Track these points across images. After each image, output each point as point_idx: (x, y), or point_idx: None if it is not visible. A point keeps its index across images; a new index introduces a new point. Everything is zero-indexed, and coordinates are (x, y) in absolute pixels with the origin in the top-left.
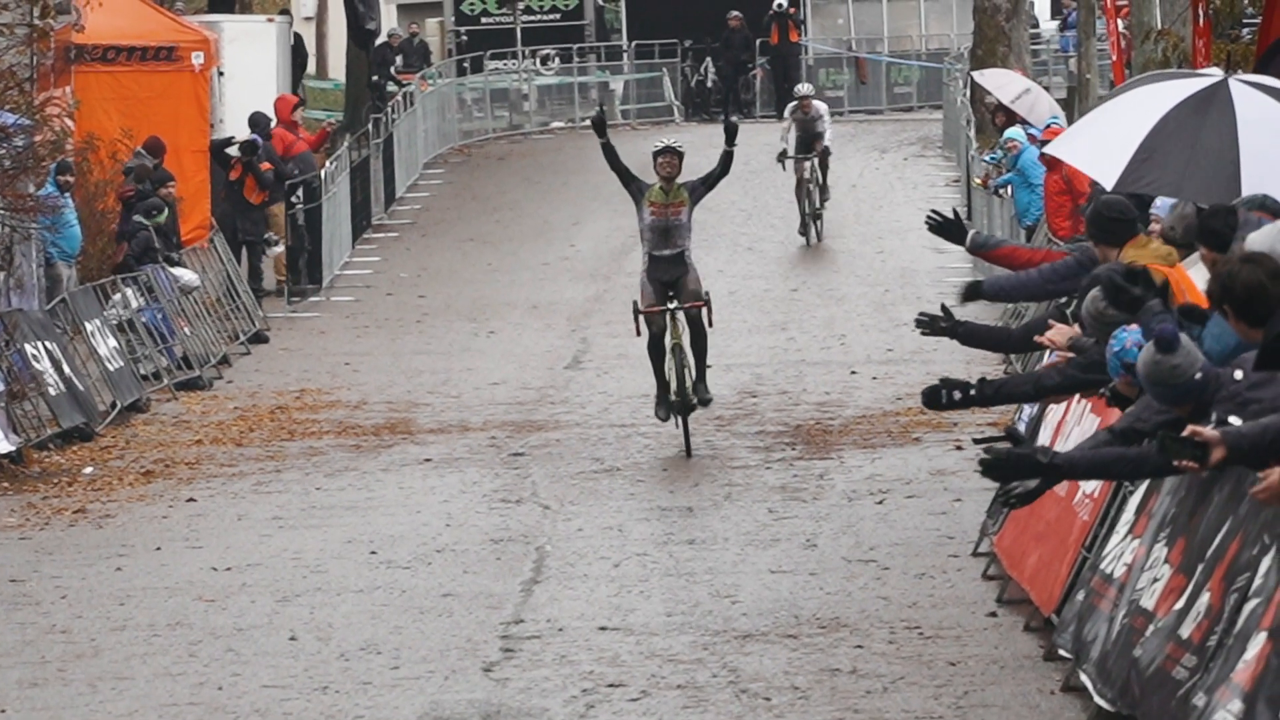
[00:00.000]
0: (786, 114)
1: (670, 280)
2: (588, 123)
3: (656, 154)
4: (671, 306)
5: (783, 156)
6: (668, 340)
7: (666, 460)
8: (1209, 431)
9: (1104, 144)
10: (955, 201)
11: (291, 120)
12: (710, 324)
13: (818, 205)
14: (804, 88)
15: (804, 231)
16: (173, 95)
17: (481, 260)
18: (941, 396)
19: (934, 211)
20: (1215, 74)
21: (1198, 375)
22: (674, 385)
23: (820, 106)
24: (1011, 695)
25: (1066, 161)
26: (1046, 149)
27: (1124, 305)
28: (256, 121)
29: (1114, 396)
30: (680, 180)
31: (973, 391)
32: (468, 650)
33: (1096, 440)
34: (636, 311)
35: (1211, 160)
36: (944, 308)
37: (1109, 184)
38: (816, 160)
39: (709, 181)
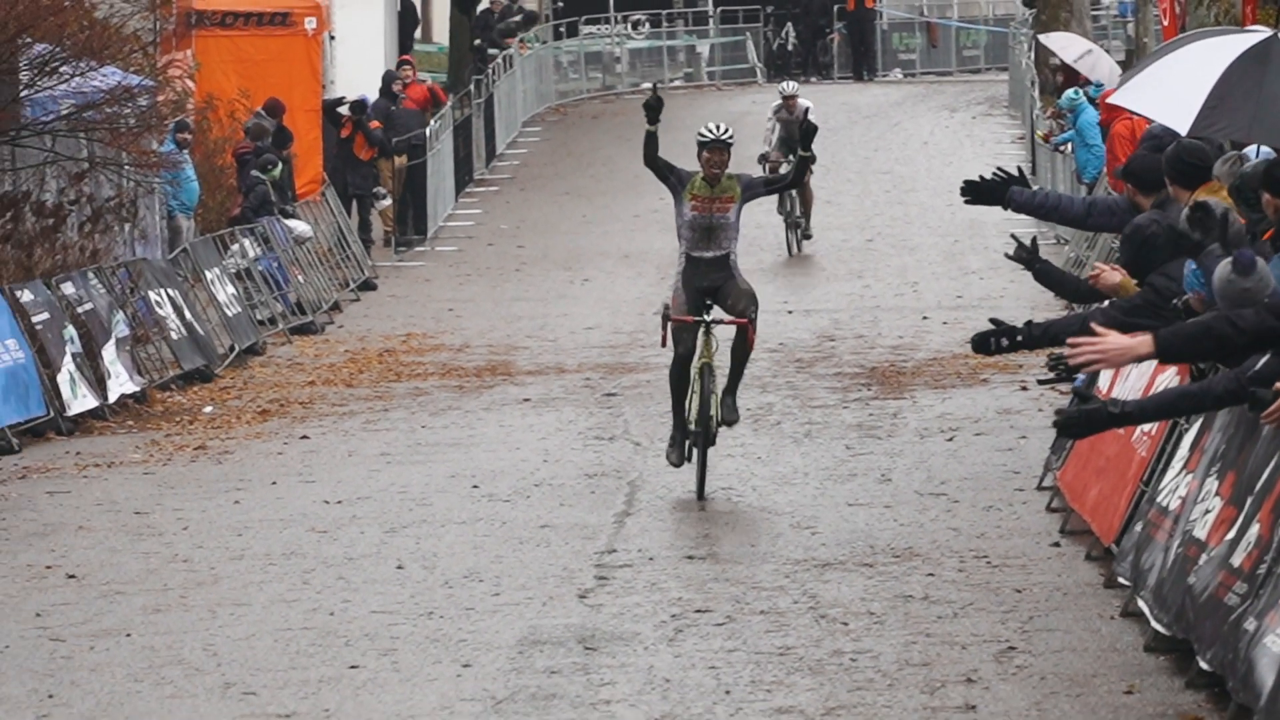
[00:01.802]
0: (770, 112)
1: (710, 287)
2: (678, 82)
3: (704, 145)
4: (708, 319)
5: (763, 159)
6: (695, 362)
7: (750, 399)
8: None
9: (1172, 93)
10: (1019, 155)
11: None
12: (750, 346)
13: (795, 212)
14: (789, 86)
15: (788, 240)
16: (287, 58)
17: (576, 212)
18: (990, 343)
19: (965, 182)
20: (1265, 30)
21: (1267, 299)
22: (694, 414)
23: (805, 104)
24: (1073, 620)
25: (1134, 110)
26: (1111, 99)
27: (1208, 232)
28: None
29: (1186, 310)
30: (732, 173)
31: (1020, 337)
32: (564, 578)
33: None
34: (666, 317)
35: (1277, 108)
36: (1018, 242)
37: (1183, 130)
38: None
39: (772, 185)
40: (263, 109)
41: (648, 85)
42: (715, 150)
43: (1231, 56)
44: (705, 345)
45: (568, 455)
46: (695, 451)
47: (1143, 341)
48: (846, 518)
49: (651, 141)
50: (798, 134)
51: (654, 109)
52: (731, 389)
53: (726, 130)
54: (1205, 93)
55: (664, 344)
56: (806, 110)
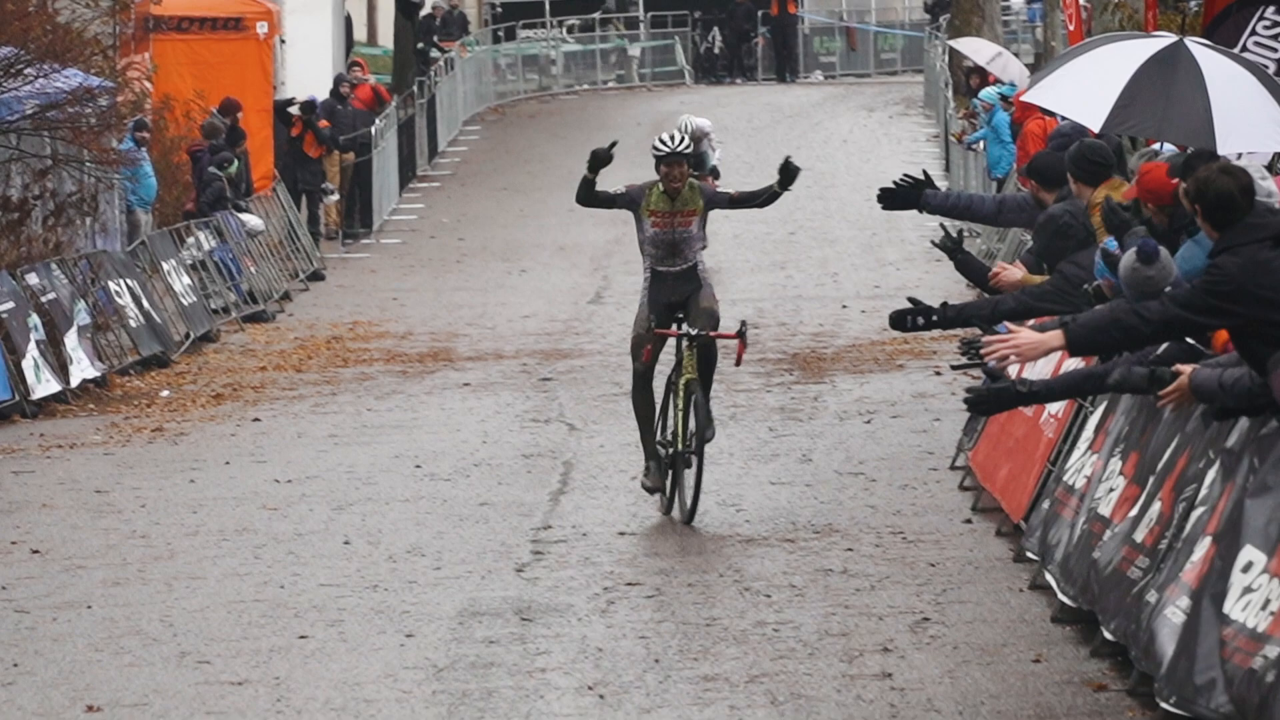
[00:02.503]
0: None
1: (678, 301)
2: (610, 84)
3: (660, 160)
4: (692, 332)
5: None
6: (678, 378)
7: None
8: (1188, 368)
9: (1085, 92)
10: (933, 153)
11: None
12: (739, 363)
13: None
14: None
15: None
16: (240, 60)
17: (514, 207)
18: (907, 321)
19: (881, 190)
20: (1168, 36)
21: (1168, 289)
22: (677, 430)
23: (705, 124)
24: (984, 593)
25: (1048, 108)
26: (1026, 97)
27: (1115, 227)
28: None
29: (1096, 295)
30: (692, 182)
31: (935, 317)
32: (502, 553)
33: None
34: (638, 341)
35: (1185, 109)
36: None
37: (1096, 127)
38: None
39: (738, 202)
40: (218, 109)
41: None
42: (672, 164)
43: (1139, 59)
44: (689, 359)
45: (505, 437)
46: (676, 472)
47: (1054, 335)
48: (769, 496)
49: (587, 187)
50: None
51: (600, 161)
52: (704, 404)
53: (682, 140)
54: (1117, 92)
55: (644, 360)
56: (704, 137)
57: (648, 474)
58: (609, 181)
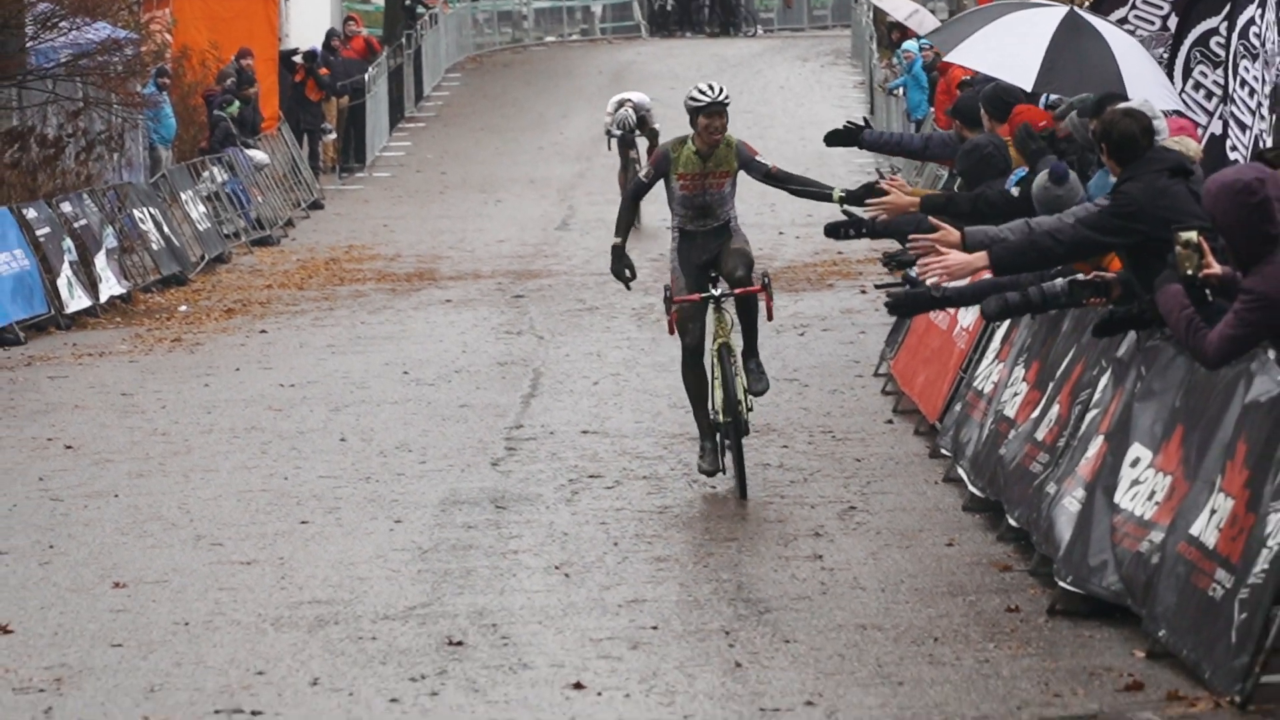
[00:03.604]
0: (612, 106)
1: (710, 260)
2: (575, 36)
3: (699, 110)
4: (717, 293)
5: (609, 134)
6: (710, 344)
7: (636, 301)
8: (1108, 275)
9: (1011, 56)
10: (859, 99)
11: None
12: (770, 316)
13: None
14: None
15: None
16: (249, 15)
17: (490, 145)
18: (840, 230)
19: (829, 132)
20: (1058, 5)
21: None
22: (720, 403)
23: (645, 100)
24: (904, 485)
25: (982, 70)
26: (951, 59)
27: (1030, 153)
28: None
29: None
30: (729, 138)
31: (864, 229)
32: (479, 449)
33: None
34: (669, 300)
35: (1100, 72)
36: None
37: (1029, 86)
38: (646, 146)
39: (775, 179)
40: (236, 56)
41: (551, 39)
42: (713, 114)
43: (1051, 25)
44: (719, 324)
45: (482, 346)
46: (728, 447)
47: (979, 256)
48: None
49: (623, 240)
50: (643, 123)
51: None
52: (751, 352)
53: (722, 91)
54: (1039, 56)
55: (671, 330)
56: (645, 113)
57: (703, 456)
58: (604, 183)
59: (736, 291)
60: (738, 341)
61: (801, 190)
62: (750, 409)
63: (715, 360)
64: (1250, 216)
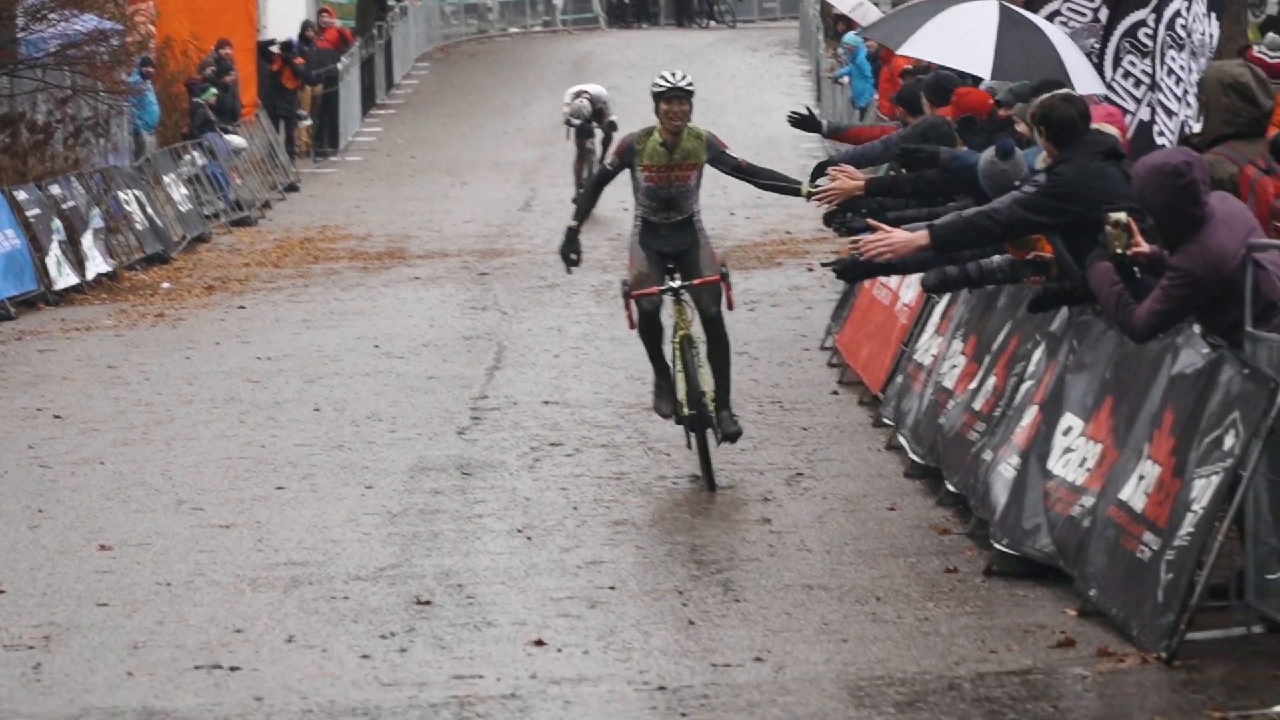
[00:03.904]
0: (569, 97)
1: (673, 253)
2: (537, 27)
3: (660, 96)
4: (675, 285)
5: (569, 123)
6: (672, 330)
7: (596, 279)
8: (1047, 255)
9: (964, 48)
10: (807, 87)
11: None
12: (730, 305)
13: (597, 153)
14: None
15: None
16: (229, 7)
17: (457, 130)
18: (839, 220)
19: (793, 111)
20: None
21: (1017, 182)
22: (684, 393)
23: (602, 92)
24: (848, 452)
25: (938, 62)
26: (905, 51)
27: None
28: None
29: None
30: (698, 130)
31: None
32: (446, 418)
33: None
34: (627, 295)
35: (1042, 60)
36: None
37: (986, 75)
38: (601, 138)
39: (744, 172)
40: (216, 46)
41: (515, 30)
42: (674, 100)
43: (993, 17)
44: (680, 315)
45: (449, 321)
46: (693, 437)
47: (921, 235)
48: None
49: (579, 226)
50: (600, 114)
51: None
52: (724, 400)
53: (685, 78)
54: (990, 46)
55: (631, 325)
56: (601, 105)
57: (659, 395)
58: (565, 167)
59: (696, 281)
60: (699, 333)
61: (770, 185)
62: (713, 409)
63: (677, 353)
64: (1177, 198)
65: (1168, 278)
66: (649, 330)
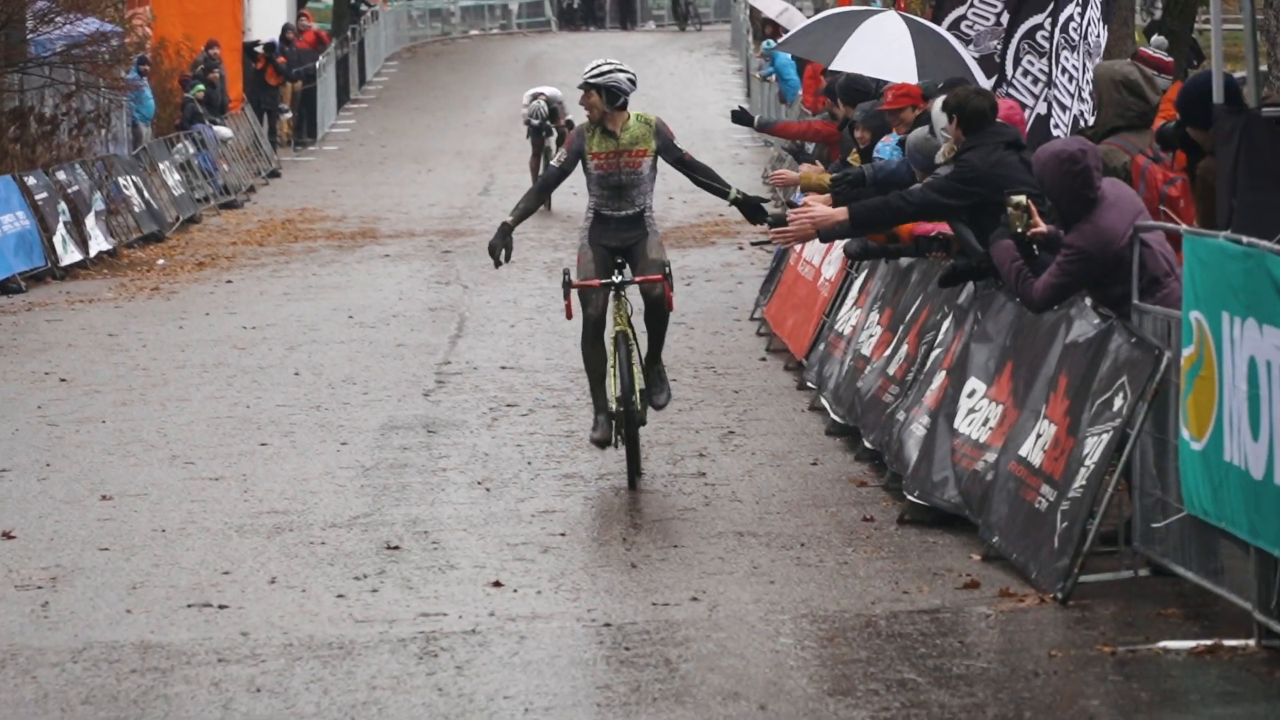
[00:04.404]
0: (527, 98)
1: (621, 247)
2: (495, 30)
3: (581, 88)
4: (616, 280)
5: (527, 123)
6: (609, 328)
7: (548, 259)
8: (949, 234)
9: (889, 58)
10: (738, 84)
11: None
12: (670, 306)
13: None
14: (546, 90)
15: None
16: (218, 12)
17: (422, 123)
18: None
19: (734, 109)
20: (888, 11)
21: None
22: (616, 390)
23: (557, 94)
24: (775, 412)
25: (867, 74)
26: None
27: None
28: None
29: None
30: (647, 116)
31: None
32: (413, 382)
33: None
34: (568, 285)
35: (952, 61)
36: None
37: (914, 80)
38: (556, 137)
39: (687, 166)
40: (205, 47)
41: (475, 32)
42: (585, 91)
43: (899, 29)
44: (618, 310)
45: (416, 294)
46: (622, 435)
47: (840, 212)
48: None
49: (519, 217)
50: (555, 115)
51: (500, 246)
52: (655, 358)
53: (596, 68)
54: (910, 55)
55: (569, 315)
56: (557, 105)
57: (595, 427)
58: (521, 155)
59: (637, 279)
60: (641, 338)
61: (705, 183)
62: (643, 407)
63: (612, 348)
64: (1073, 182)
65: (1063, 254)
66: (593, 344)
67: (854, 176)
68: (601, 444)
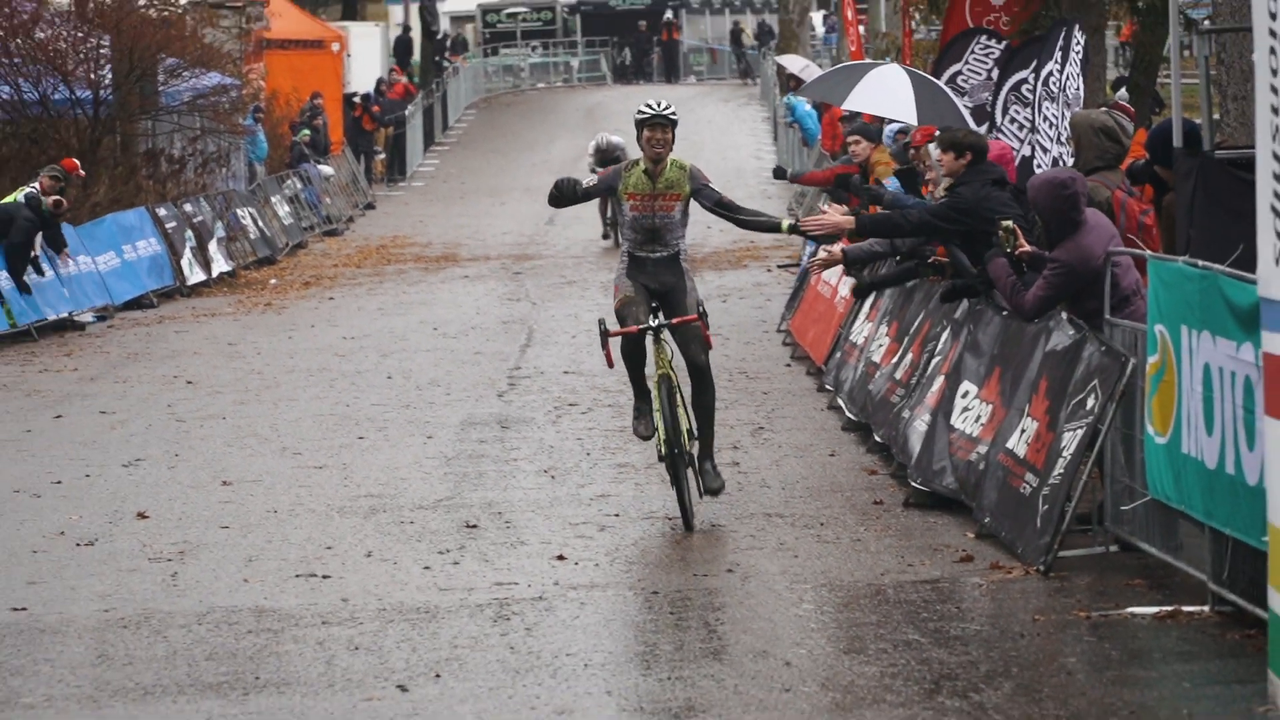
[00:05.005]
0: (591, 147)
1: (659, 290)
2: (559, 84)
3: (643, 124)
4: (653, 325)
5: (593, 170)
6: (651, 365)
7: (603, 277)
8: (944, 260)
9: (893, 102)
10: (766, 130)
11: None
12: (709, 345)
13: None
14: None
15: (607, 235)
16: (321, 67)
17: (496, 163)
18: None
19: (773, 169)
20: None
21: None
22: (663, 433)
23: (619, 141)
24: (799, 411)
25: (876, 113)
26: (846, 106)
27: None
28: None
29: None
30: (681, 162)
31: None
32: (489, 384)
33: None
34: (605, 334)
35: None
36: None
37: (914, 121)
38: None
39: (724, 207)
40: (310, 98)
41: (541, 85)
42: (655, 128)
43: (902, 79)
44: (659, 354)
45: (491, 309)
46: (677, 474)
47: (849, 220)
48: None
49: (560, 192)
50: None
51: (570, 193)
52: (707, 451)
53: (668, 106)
54: (911, 100)
55: (610, 364)
56: (619, 153)
57: (638, 418)
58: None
59: (675, 321)
60: (679, 370)
61: (751, 223)
62: (694, 437)
63: (657, 392)
64: (1063, 204)
65: (1050, 268)
66: (632, 354)
67: (876, 192)
68: (645, 437)
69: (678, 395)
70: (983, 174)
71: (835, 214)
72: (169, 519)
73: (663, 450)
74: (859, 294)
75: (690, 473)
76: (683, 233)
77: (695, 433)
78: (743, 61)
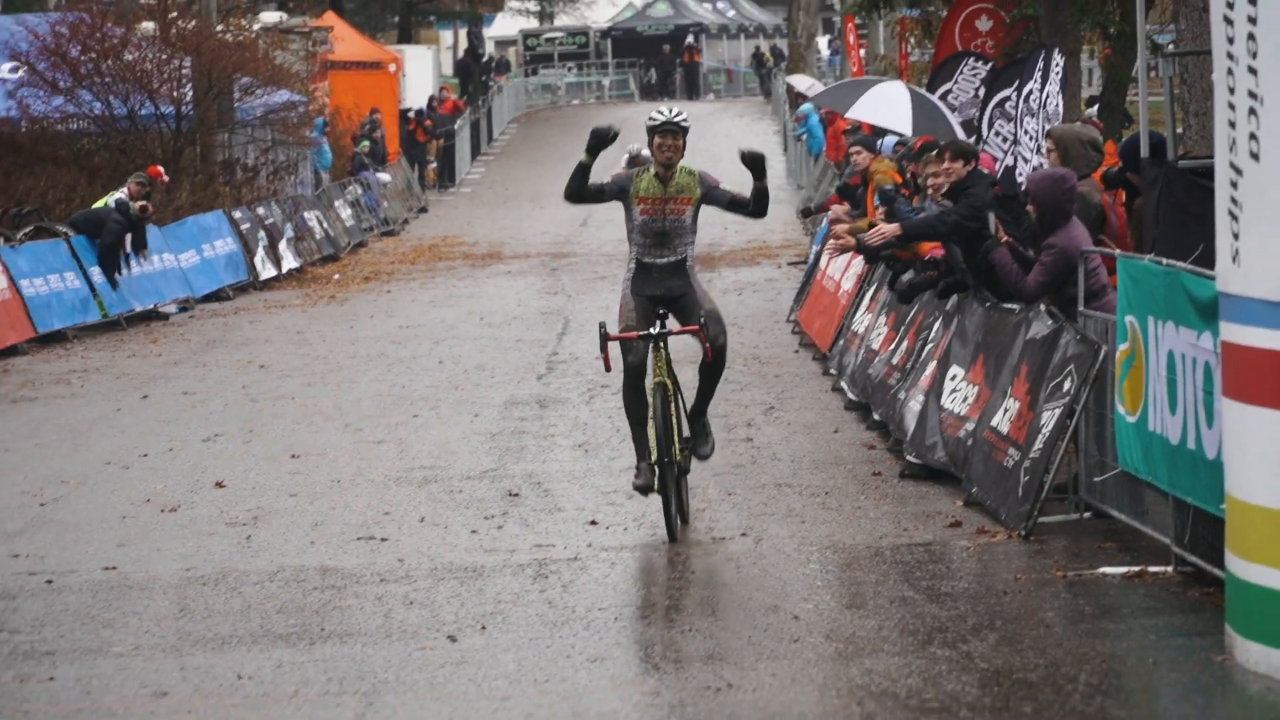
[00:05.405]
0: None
1: (665, 296)
2: (592, 100)
3: (654, 130)
4: (654, 332)
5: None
6: (649, 377)
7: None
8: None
9: (891, 113)
10: (777, 141)
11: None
12: (709, 355)
13: None
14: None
15: None
16: (380, 87)
17: (536, 171)
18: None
19: (799, 210)
20: (894, 81)
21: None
22: (655, 441)
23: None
24: (806, 393)
25: (875, 123)
26: (850, 115)
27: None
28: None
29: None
30: (690, 168)
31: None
32: (529, 368)
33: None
34: (604, 337)
35: (941, 121)
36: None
37: (909, 134)
38: None
39: (736, 204)
40: (369, 113)
41: (576, 102)
42: (666, 134)
43: (902, 94)
44: (656, 362)
45: (531, 301)
46: (666, 484)
47: (894, 227)
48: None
49: (579, 175)
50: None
51: (602, 139)
52: (701, 410)
53: (679, 113)
54: (908, 112)
55: (608, 368)
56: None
57: (639, 474)
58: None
59: (676, 330)
60: (674, 379)
61: (761, 204)
62: (687, 458)
63: (653, 400)
64: (1061, 197)
65: (1045, 255)
66: (634, 390)
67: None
68: (644, 490)
69: (673, 405)
70: (983, 178)
71: (885, 227)
72: (244, 488)
73: (653, 458)
74: (904, 299)
75: (676, 489)
76: (692, 239)
77: (687, 444)
78: (766, 82)
